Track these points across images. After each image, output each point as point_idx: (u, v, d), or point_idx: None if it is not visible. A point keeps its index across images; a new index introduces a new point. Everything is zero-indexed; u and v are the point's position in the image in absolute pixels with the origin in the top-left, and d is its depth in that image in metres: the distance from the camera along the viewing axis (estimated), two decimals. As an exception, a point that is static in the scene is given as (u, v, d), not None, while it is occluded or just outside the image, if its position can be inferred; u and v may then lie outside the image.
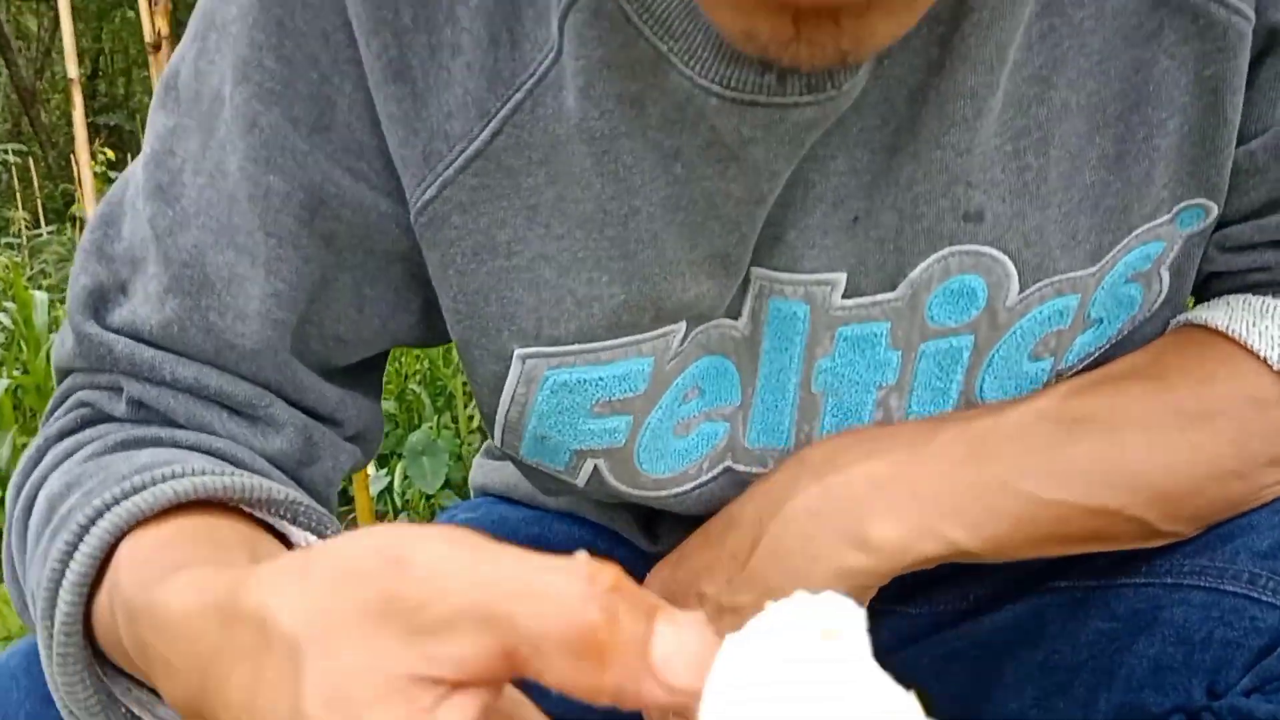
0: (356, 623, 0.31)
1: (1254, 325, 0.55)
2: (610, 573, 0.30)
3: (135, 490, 0.45)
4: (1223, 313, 0.56)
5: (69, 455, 0.54)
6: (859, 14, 0.37)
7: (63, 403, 0.58)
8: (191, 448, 0.53)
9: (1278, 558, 0.53)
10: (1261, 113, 0.51)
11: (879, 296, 0.53)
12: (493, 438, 0.59)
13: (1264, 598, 0.54)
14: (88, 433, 0.55)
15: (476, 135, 0.50)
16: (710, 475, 0.59)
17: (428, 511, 2.22)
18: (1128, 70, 0.50)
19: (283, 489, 0.47)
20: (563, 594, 0.29)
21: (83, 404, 0.57)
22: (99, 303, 0.55)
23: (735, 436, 0.58)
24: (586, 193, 0.51)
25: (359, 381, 0.60)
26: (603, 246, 0.52)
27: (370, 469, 2.25)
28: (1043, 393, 0.57)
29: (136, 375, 0.54)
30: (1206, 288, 0.61)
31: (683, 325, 0.54)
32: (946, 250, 0.52)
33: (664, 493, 0.59)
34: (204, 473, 0.46)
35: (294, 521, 0.48)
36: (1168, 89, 0.50)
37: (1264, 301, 0.56)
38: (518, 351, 0.54)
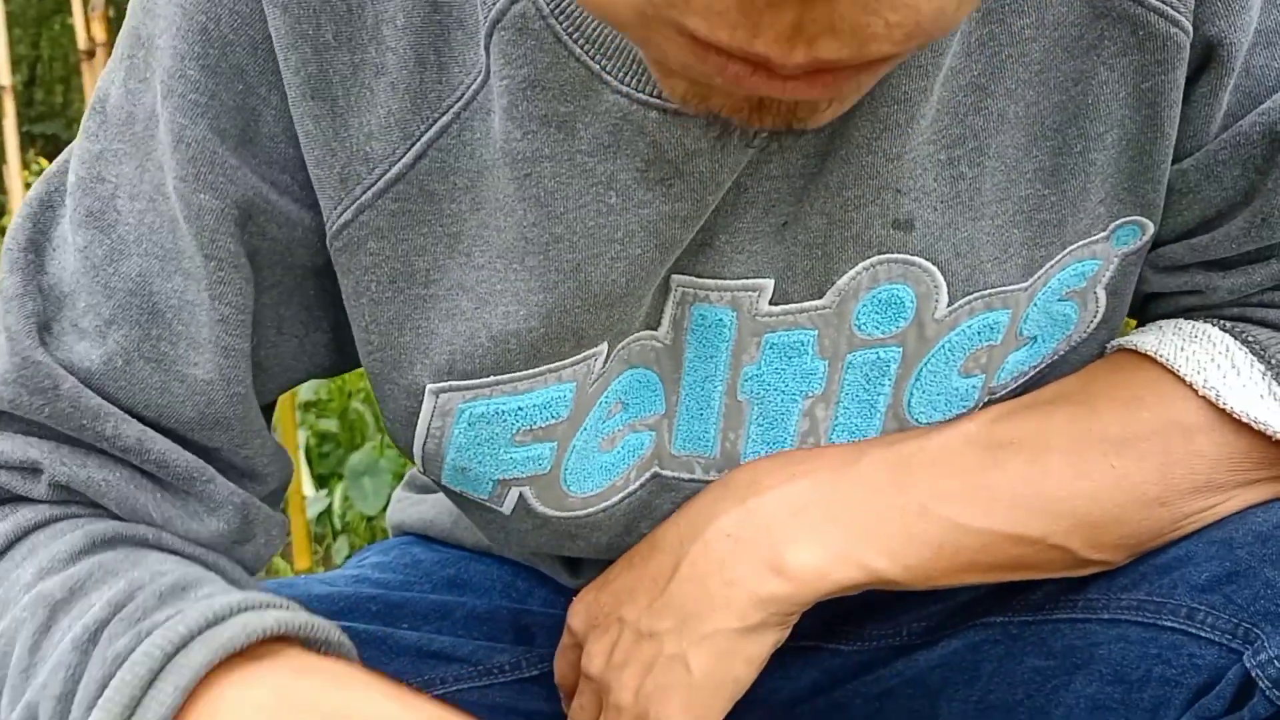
0: None
1: (1182, 349, 0.53)
2: None
3: (218, 619, 0.42)
4: (1154, 337, 0.55)
5: (32, 550, 0.50)
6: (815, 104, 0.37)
7: None
8: (156, 546, 0.51)
9: (1215, 591, 0.51)
10: (1196, 129, 0.50)
11: (806, 304, 0.52)
12: (414, 465, 0.57)
13: (1202, 634, 0.52)
14: (28, 521, 0.51)
15: (399, 158, 0.48)
16: (638, 484, 0.58)
17: (368, 535, 2.17)
18: (1067, 81, 0.49)
19: (338, 633, 0.46)
20: None
21: None
22: (43, 330, 0.51)
23: (661, 444, 0.57)
24: (509, 220, 0.48)
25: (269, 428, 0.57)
26: (521, 278, 0.49)
27: (308, 490, 2.20)
28: (970, 416, 0.56)
29: (71, 429, 0.50)
30: (1144, 311, 0.60)
31: (604, 347, 0.52)
32: (875, 258, 0.51)
33: (592, 509, 0.57)
34: (273, 605, 0.44)
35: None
36: (1106, 102, 0.49)
37: (1194, 326, 0.54)
38: (429, 386, 0.52)
